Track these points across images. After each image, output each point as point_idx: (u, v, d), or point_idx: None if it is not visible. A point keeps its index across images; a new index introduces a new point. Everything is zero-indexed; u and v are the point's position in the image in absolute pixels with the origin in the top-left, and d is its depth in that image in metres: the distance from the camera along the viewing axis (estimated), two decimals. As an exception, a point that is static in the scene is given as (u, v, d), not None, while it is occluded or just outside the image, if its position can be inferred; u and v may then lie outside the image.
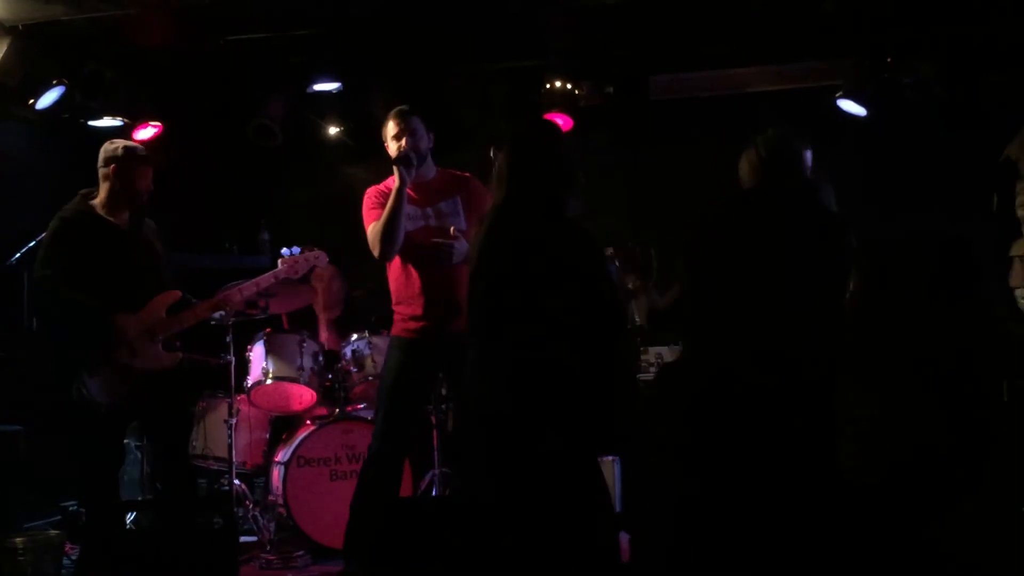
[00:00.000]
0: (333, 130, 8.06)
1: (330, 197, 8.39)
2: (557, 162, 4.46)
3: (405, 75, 7.59)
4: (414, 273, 5.56)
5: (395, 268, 5.64)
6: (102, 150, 5.72)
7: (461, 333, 5.41)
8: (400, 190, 5.41)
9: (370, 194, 5.67)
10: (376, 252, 5.54)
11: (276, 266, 6.15)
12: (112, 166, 5.66)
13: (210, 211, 8.28)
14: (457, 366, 5.48)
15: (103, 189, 5.70)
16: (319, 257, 6.20)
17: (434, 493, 6.65)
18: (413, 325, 5.58)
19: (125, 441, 6.21)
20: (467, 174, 5.74)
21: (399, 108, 5.63)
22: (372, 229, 5.54)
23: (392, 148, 5.58)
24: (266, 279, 6.07)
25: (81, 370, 5.52)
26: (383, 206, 5.50)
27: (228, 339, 6.48)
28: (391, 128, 5.59)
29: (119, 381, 5.55)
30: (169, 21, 6.63)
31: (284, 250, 6.16)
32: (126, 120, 7.39)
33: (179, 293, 5.79)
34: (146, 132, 7.46)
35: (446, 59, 7.47)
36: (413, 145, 5.51)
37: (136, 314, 5.61)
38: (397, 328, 5.67)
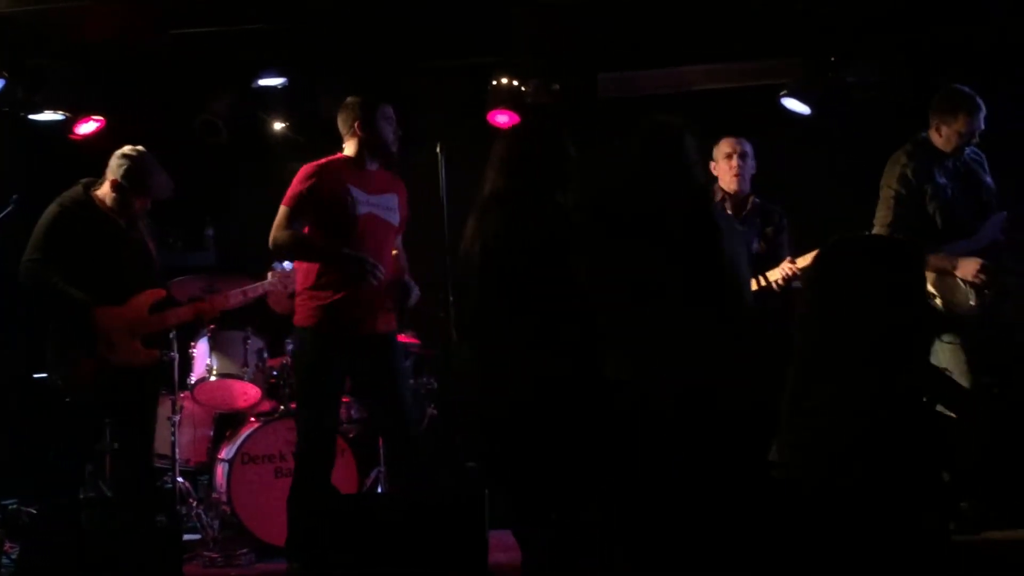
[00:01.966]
0: (279, 126, 8.01)
1: (276, 193, 8.32)
2: (558, 155, 4.53)
3: (353, 71, 7.56)
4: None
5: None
6: (114, 156, 5.70)
7: (374, 333, 5.46)
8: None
9: (304, 173, 5.56)
10: (273, 245, 5.47)
11: (221, 266, 6.16)
12: (112, 180, 5.67)
13: (154, 206, 8.19)
14: (367, 365, 5.49)
15: (105, 186, 5.70)
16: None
17: (379, 491, 6.63)
18: (333, 315, 5.42)
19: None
20: (398, 177, 5.76)
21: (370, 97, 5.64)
22: (286, 226, 5.46)
23: (382, 133, 5.57)
24: (254, 289, 6.13)
25: (58, 360, 5.51)
26: (308, 195, 5.47)
27: (172, 336, 6.43)
28: (388, 111, 5.60)
29: (95, 374, 5.52)
30: (113, 14, 6.57)
31: (276, 264, 6.15)
32: (68, 114, 7.30)
33: (164, 292, 5.81)
34: (88, 126, 7.38)
35: (394, 56, 7.45)
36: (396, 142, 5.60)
37: (119, 309, 5.59)
38: (311, 317, 5.45)
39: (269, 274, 6.17)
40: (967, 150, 5.91)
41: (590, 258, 4.27)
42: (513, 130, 4.85)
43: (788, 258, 5.94)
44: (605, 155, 4.52)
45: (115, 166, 5.66)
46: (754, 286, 5.60)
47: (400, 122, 5.72)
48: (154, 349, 5.75)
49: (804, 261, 5.90)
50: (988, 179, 5.97)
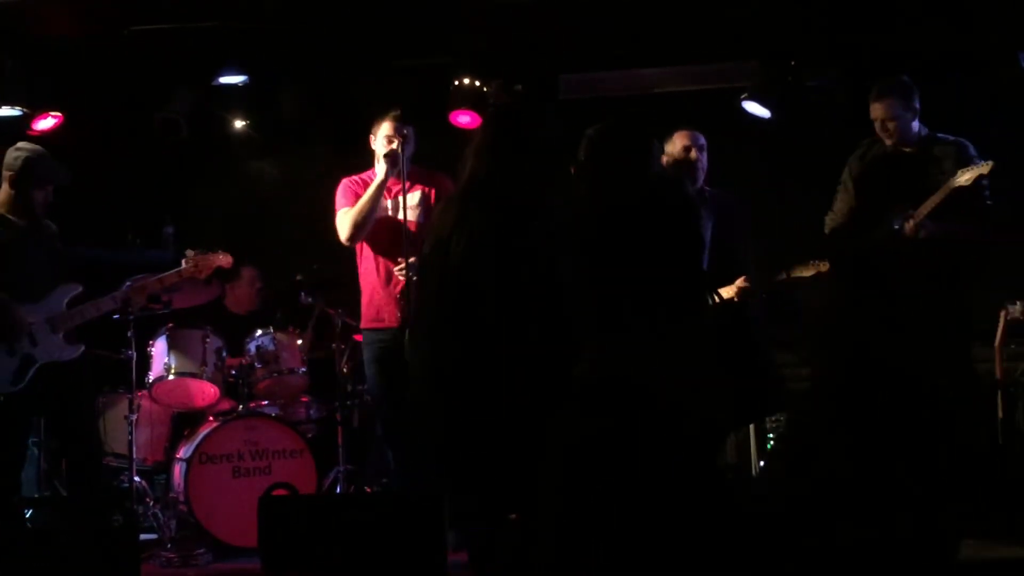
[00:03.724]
0: (239, 123, 7.98)
1: (236, 191, 8.31)
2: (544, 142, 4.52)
3: (313, 70, 7.54)
4: (381, 263, 5.91)
5: (367, 260, 5.97)
6: (8, 152, 5.69)
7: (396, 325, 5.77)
8: (381, 184, 5.79)
9: (346, 183, 6.00)
10: (344, 235, 5.88)
11: (179, 263, 6.14)
12: (10, 175, 5.65)
13: (113, 204, 8.16)
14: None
15: (3, 189, 5.69)
16: (224, 259, 6.19)
17: (338, 490, 6.61)
18: (378, 314, 5.92)
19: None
20: (440, 172, 5.96)
21: (395, 113, 5.92)
22: (344, 213, 5.89)
23: (381, 145, 5.88)
24: (170, 276, 6.07)
25: None
26: (358, 196, 5.87)
27: (129, 334, 6.39)
28: (385, 128, 5.88)
29: (19, 371, 5.49)
30: (71, 9, 6.52)
31: (189, 251, 6.13)
32: (26, 110, 7.24)
33: (80, 286, 5.77)
34: (46, 122, 7.31)
35: (354, 55, 7.43)
36: (403, 151, 5.81)
37: (36, 305, 5.59)
38: (368, 322, 5.98)
39: (183, 260, 6.13)
40: (946, 140, 5.85)
41: (572, 261, 4.27)
42: (500, 113, 4.78)
43: (744, 276, 5.84)
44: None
45: (11, 160, 5.66)
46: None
47: (358, 123, 5.87)
48: (79, 343, 5.74)
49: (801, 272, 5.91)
50: (939, 174, 5.76)
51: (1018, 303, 6.31)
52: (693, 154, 6.00)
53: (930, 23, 6.92)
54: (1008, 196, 6.06)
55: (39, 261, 5.70)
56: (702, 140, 6.07)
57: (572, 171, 4.47)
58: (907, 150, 5.87)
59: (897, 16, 6.89)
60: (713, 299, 5.44)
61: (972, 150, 5.78)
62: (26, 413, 5.75)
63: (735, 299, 5.75)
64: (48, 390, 5.59)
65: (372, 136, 5.97)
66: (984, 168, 5.56)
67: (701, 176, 6.07)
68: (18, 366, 5.51)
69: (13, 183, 5.65)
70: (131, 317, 6.34)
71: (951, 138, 5.87)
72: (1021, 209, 7.08)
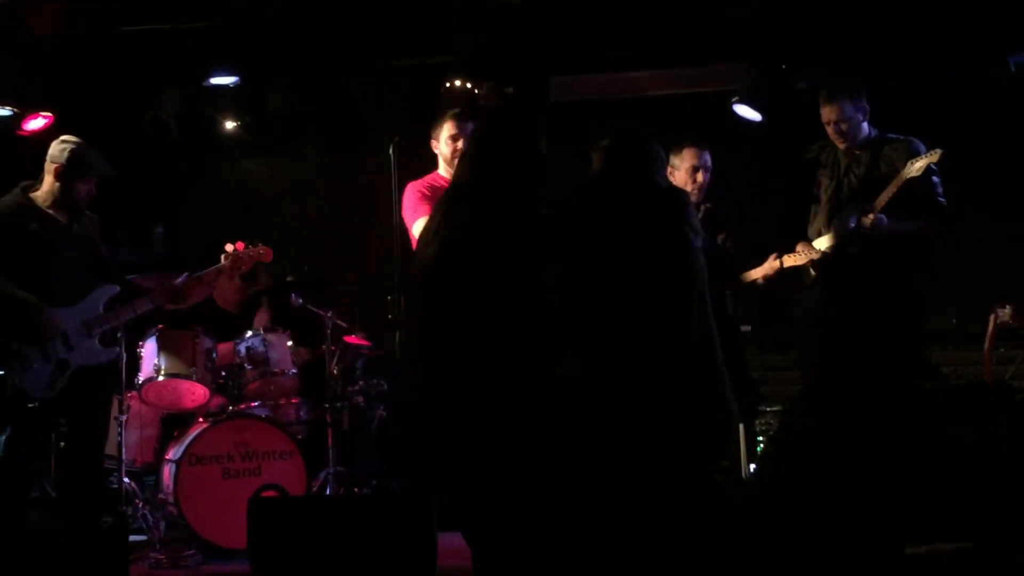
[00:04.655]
0: (230, 124, 7.97)
1: (226, 191, 8.31)
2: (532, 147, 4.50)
3: (304, 70, 7.54)
4: None
5: None
6: (53, 145, 5.63)
7: None
8: None
9: (414, 188, 5.80)
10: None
11: (167, 263, 6.11)
12: (56, 167, 5.58)
13: (102, 204, 8.14)
14: None
15: (46, 183, 5.62)
16: (265, 254, 6.14)
17: (328, 492, 6.60)
18: None
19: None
20: None
21: (456, 112, 5.87)
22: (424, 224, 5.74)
23: (448, 149, 5.77)
24: (210, 274, 6.00)
25: (13, 362, 5.40)
26: (430, 200, 5.65)
27: (119, 334, 6.37)
28: (448, 129, 5.80)
29: (54, 375, 5.45)
30: (61, 8, 6.51)
31: (228, 246, 6.08)
32: (16, 110, 7.23)
33: (118, 287, 5.73)
34: (36, 122, 7.30)
35: (346, 55, 7.43)
36: None
37: (72, 308, 5.53)
38: None
39: (223, 256, 6.08)
40: (896, 141, 5.91)
41: (558, 263, 4.27)
42: (487, 121, 4.81)
43: (773, 255, 5.99)
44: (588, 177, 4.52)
45: (57, 152, 5.58)
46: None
47: (350, 123, 5.79)
48: (114, 345, 5.73)
49: (791, 260, 5.93)
50: (882, 170, 5.86)
51: (1007, 307, 6.35)
52: (700, 176, 6.07)
53: (919, 25, 6.94)
54: (1005, 194, 6.11)
55: (78, 261, 5.64)
56: (709, 161, 6.13)
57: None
58: (858, 152, 5.92)
59: (886, 18, 6.91)
60: (735, 284, 5.56)
61: (922, 147, 5.80)
62: (55, 416, 5.71)
63: (760, 281, 6.00)
64: (75, 391, 5.53)
65: (434, 140, 5.88)
66: (933, 156, 5.64)
67: (702, 194, 6.13)
68: (53, 371, 5.45)
69: (58, 175, 5.56)
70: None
71: (900, 137, 5.91)
72: (1018, 206, 7.14)
